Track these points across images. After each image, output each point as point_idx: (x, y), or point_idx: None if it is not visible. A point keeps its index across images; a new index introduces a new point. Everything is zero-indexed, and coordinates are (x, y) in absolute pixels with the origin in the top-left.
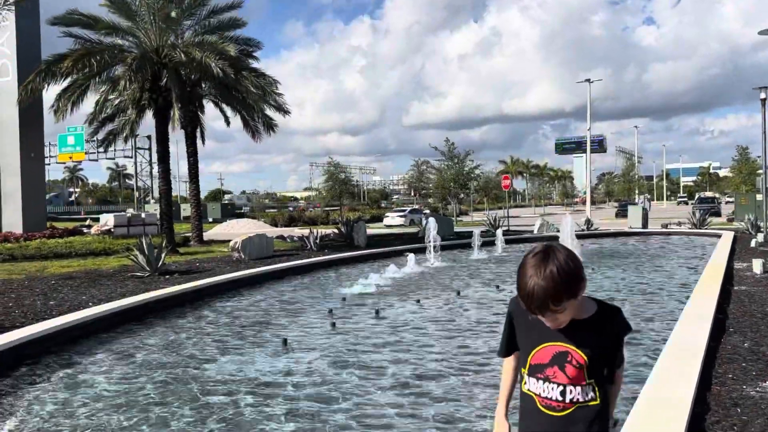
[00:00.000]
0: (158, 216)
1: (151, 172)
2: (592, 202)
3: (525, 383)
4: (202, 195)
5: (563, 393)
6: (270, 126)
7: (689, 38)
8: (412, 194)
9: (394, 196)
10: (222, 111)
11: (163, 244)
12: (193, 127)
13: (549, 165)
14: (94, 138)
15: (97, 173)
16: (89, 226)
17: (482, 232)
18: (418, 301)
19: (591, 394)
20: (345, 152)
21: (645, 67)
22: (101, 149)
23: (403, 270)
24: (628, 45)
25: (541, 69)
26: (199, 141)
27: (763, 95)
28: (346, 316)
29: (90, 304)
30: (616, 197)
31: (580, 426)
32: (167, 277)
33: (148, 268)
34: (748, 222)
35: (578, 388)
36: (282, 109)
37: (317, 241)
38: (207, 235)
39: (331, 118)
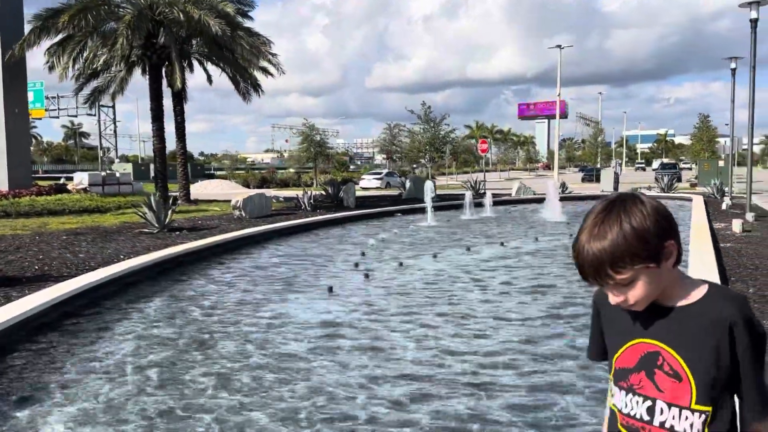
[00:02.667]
0: (129, 175)
1: (115, 131)
2: (552, 167)
3: (612, 395)
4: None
5: (650, 411)
6: (257, 87)
7: (652, 5)
8: (385, 157)
9: (358, 161)
10: (205, 70)
11: (171, 202)
12: (180, 85)
13: (512, 130)
14: (77, 94)
15: (48, 131)
16: (65, 185)
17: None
18: (434, 256)
19: (698, 427)
20: (307, 114)
21: (607, 33)
22: (85, 105)
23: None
24: (591, 11)
25: (506, 33)
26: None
27: (733, 65)
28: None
29: (121, 256)
30: (576, 162)
31: None
32: (177, 233)
33: (156, 225)
34: (714, 187)
35: (676, 410)
36: (277, 69)
37: (311, 201)
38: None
39: (292, 79)
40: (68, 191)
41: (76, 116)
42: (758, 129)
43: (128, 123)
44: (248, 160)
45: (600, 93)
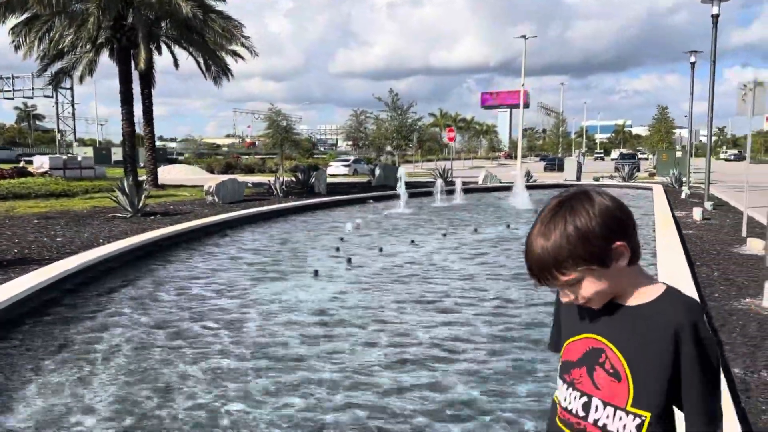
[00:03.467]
0: (91, 159)
1: (73, 114)
2: (515, 157)
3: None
4: (117, 139)
5: (586, 407)
6: (227, 71)
7: None
8: (351, 144)
9: (321, 147)
10: (172, 53)
11: (144, 186)
12: (148, 68)
13: (475, 119)
14: (42, 75)
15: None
16: (25, 168)
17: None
18: (413, 241)
19: (631, 429)
20: (268, 98)
21: (568, 24)
22: (50, 87)
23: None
24: (554, 1)
25: (469, 21)
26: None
27: (693, 59)
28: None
29: (101, 240)
30: (537, 152)
31: None
32: (151, 218)
33: (129, 209)
34: (672, 177)
35: (611, 410)
36: (251, 52)
37: (284, 187)
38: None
39: (254, 63)
40: (31, 174)
41: (32, 98)
42: (714, 121)
43: (83, 106)
44: (222, 146)
45: (562, 84)
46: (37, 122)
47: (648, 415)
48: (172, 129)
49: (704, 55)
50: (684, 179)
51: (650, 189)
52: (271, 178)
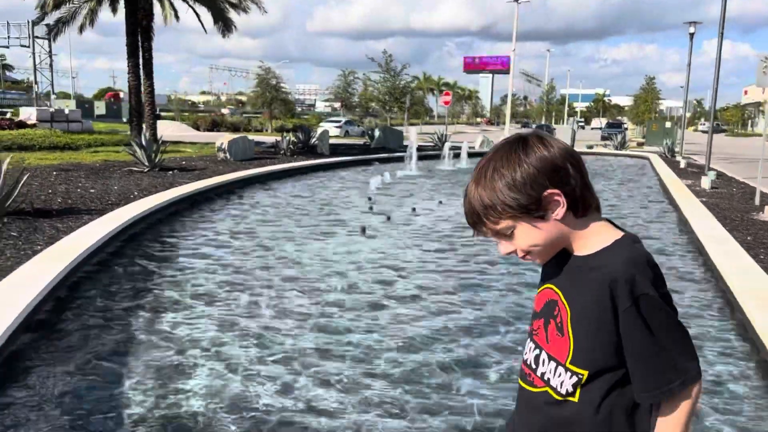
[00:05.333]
0: (78, 112)
1: (51, 66)
2: (496, 123)
3: None
4: (88, 92)
5: (537, 360)
6: (230, 24)
7: None
8: (340, 106)
9: (299, 107)
10: (172, 5)
11: (159, 141)
12: (148, 20)
13: (458, 83)
14: (40, 23)
15: None
16: (12, 119)
17: (432, 146)
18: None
19: (568, 387)
20: (243, 56)
21: None
22: (48, 37)
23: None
24: None
25: None
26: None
27: (692, 29)
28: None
29: (135, 193)
30: (518, 119)
31: (535, 421)
32: (170, 172)
33: (146, 164)
34: (665, 147)
35: (553, 364)
36: (259, 7)
37: (290, 146)
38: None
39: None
40: (28, 126)
41: (8, 47)
42: (693, 93)
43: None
44: (198, 104)
45: (548, 50)
46: (7, 72)
47: (585, 373)
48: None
49: (685, 27)
50: (677, 149)
51: (647, 158)
52: (278, 138)
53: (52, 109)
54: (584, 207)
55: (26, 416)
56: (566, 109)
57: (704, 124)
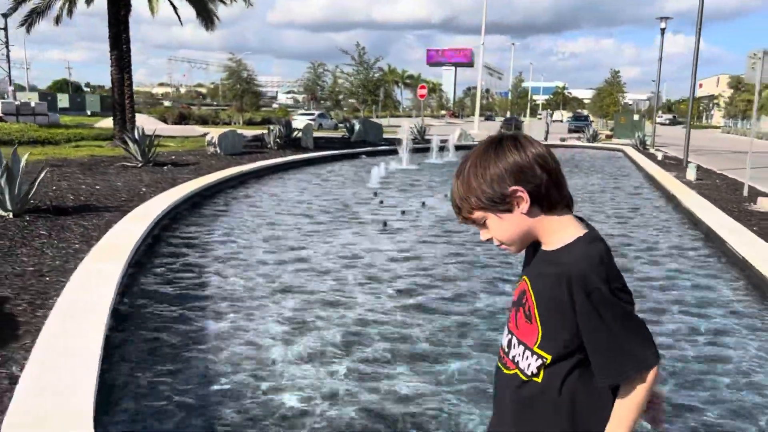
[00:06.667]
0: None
1: (8, 56)
2: (459, 116)
3: None
4: (42, 84)
5: (509, 344)
6: (211, 17)
7: None
8: (309, 98)
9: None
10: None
11: (154, 135)
12: (126, 9)
13: (422, 76)
14: (12, 14)
15: None
16: None
17: (413, 139)
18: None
19: (533, 369)
20: (201, 47)
21: None
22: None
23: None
24: None
25: None
26: None
27: (663, 24)
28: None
29: (143, 189)
30: (482, 112)
31: (507, 401)
32: (165, 167)
33: (140, 158)
34: (637, 139)
35: (522, 348)
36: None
37: (278, 140)
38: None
39: (186, 7)
40: (2, 120)
41: None
42: (648, 86)
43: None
44: (157, 96)
45: (513, 44)
46: None
47: (549, 357)
48: (97, 75)
49: (639, 22)
50: (647, 141)
51: (622, 151)
52: (264, 131)
53: (17, 102)
54: (550, 204)
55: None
56: (529, 102)
57: (661, 116)
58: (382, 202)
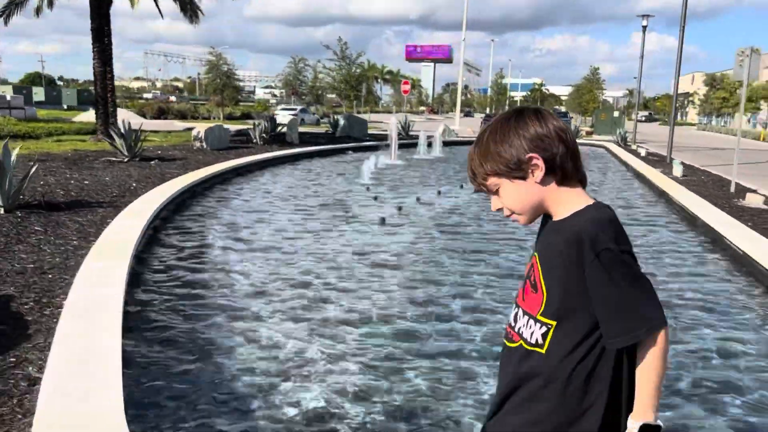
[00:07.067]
0: (21, 99)
1: None
2: (438, 112)
3: None
4: (15, 78)
5: (516, 317)
6: (195, 10)
7: None
8: (291, 93)
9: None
10: None
11: (140, 129)
12: (108, 2)
13: (401, 72)
14: None
15: None
16: None
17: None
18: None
19: (537, 338)
20: (177, 41)
21: None
22: None
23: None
24: None
25: None
26: None
27: (644, 22)
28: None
29: (133, 183)
30: (461, 108)
31: (510, 373)
32: (152, 162)
33: (126, 153)
34: (618, 136)
35: (527, 318)
36: None
37: (264, 135)
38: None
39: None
40: None
41: None
42: (623, 83)
43: None
44: (133, 90)
45: (492, 40)
46: None
47: (554, 323)
48: (71, 69)
49: (615, 20)
50: (629, 138)
51: (604, 147)
52: (249, 126)
53: None
54: (564, 175)
55: None
56: (508, 99)
57: (638, 113)
58: (376, 198)
